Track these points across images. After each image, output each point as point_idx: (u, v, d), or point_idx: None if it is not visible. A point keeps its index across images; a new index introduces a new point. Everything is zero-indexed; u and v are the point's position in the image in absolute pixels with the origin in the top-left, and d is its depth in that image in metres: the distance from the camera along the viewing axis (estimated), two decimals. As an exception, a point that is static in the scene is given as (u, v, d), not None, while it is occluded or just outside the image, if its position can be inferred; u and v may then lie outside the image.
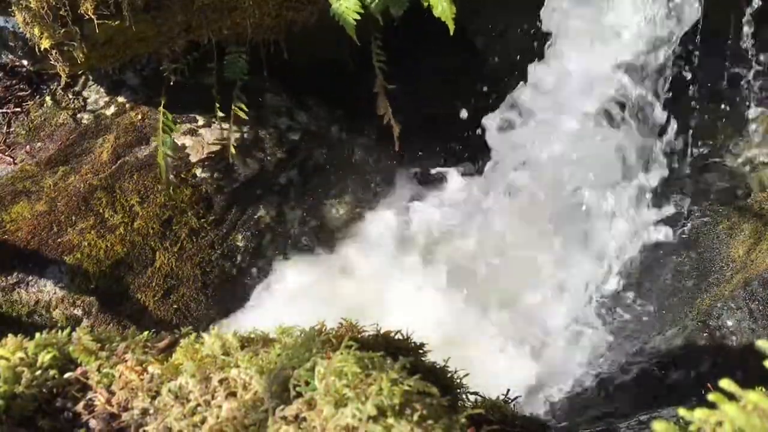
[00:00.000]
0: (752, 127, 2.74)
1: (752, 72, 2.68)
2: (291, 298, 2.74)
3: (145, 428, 0.80)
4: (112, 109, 2.88)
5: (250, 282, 2.81)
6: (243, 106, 2.76)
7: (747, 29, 2.49)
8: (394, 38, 2.80)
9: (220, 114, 2.74)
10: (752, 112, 2.75)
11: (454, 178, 3.14)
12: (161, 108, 2.73)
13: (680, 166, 2.77)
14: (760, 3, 2.42)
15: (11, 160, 2.76)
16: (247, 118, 2.79)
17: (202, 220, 2.73)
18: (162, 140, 2.66)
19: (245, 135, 2.85)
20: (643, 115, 2.54)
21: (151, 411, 0.82)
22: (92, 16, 2.26)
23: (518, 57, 2.72)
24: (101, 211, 2.63)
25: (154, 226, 2.66)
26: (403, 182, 3.15)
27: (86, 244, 2.58)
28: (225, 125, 2.80)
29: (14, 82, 2.99)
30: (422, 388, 0.77)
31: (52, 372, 0.87)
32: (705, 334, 2.35)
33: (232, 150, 2.74)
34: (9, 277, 2.53)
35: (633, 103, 2.51)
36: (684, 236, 2.68)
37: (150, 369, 0.87)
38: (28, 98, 2.94)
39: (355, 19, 2.45)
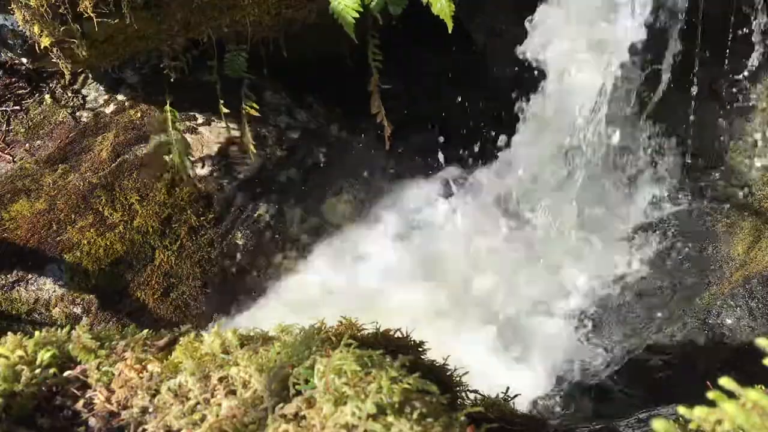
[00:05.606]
0: (752, 124, 2.73)
1: (753, 68, 2.68)
2: (290, 296, 2.73)
3: (145, 426, 0.80)
4: (111, 107, 2.88)
5: (249, 280, 2.80)
6: (254, 104, 2.77)
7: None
8: (392, 37, 2.79)
9: (225, 110, 2.73)
10: (752, 108, 2.75)
11: (451, 175, 3.14)
12: (167, 107, 2.73)
13: (680, 165, 2.77)
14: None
15: (11, 158, 2.75)
16: (258, 115, 2.79)
17: (202, 218, 2.73)
18: (174, 138, 2.67)
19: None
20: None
21: (151, 409, 0.82)
22: (91, 14, 2.26)
23: (517, 56, 2.71)
24: (101, 209, 2.63)
25: (154, 224, 2.65)
26: (402, 180, 3.15)
27: (86, 242, 2.58)
28: (230, 123, 2.80)
29: (13, 80, 2.99)
30: (422, 387, 0.77)
31: (51, 370, 0.87)
32: (704, 332, 2.35)
33: (252, 148, 2.75)
34: (8, 276, 2.53)
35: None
36: (683, 234, 2.68)
37: (149, 367, 0.87)
38: (28, 96, 2.94)
39: (354, 18, 2.44)
